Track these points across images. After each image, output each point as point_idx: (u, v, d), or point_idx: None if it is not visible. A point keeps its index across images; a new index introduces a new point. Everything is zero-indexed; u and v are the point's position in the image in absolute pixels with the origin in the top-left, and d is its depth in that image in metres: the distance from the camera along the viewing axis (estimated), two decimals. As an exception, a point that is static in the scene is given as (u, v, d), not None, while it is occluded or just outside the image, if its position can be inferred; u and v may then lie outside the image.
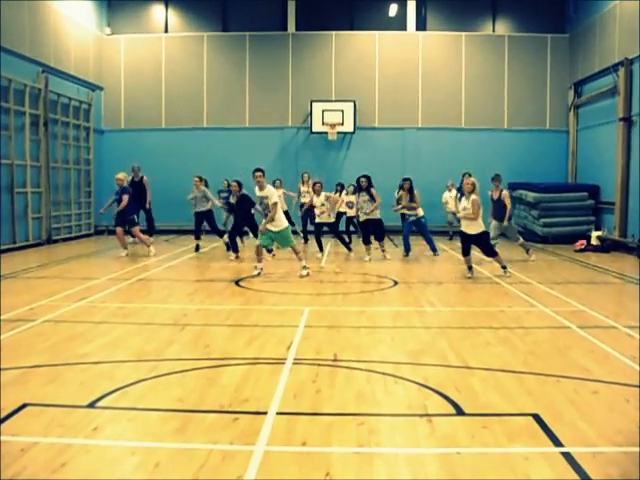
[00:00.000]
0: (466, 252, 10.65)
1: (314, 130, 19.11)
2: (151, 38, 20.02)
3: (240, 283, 9.96)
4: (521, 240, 12.93)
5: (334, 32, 19.79)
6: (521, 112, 19.60)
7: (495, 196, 12.69)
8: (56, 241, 16.32)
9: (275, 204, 10.34)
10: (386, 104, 19.66)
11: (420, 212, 13.37)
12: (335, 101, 19.30)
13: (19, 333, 6.48)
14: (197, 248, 14.27)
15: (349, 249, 13.80)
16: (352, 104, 19.01)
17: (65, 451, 3.62)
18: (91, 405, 4.41)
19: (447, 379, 5.03)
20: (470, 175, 12.08)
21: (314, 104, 19.02)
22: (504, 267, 10.72)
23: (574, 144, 19.11)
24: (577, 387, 4.83)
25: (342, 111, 18.91)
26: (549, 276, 10.85)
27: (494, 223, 12.73)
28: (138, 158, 17.61)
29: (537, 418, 4.16)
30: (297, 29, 19.93)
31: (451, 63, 19.68)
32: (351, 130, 19.11)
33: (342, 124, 18.89)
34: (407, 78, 19.63)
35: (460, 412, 4.33)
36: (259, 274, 10.56)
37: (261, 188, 10.48)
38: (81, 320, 7.16)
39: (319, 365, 5.42)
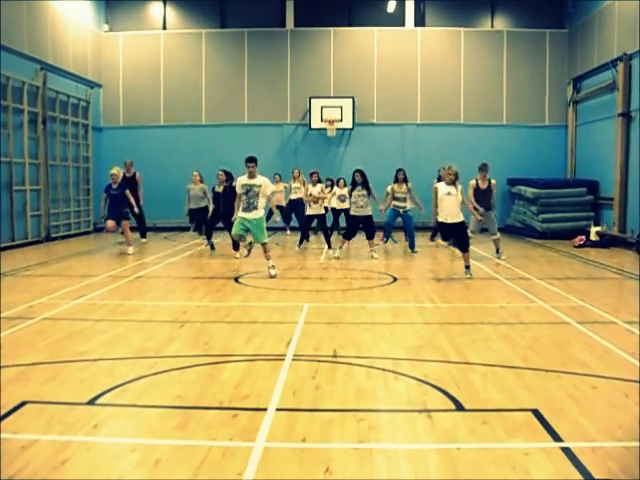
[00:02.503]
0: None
1: (313, 126, 19.08)
2: (149, 35, 19.98)
3: (239, 280, 9.97)
4: (498, 235, 12.44)
5: (332, 28, 19.76)
6: (520, 108, 19.59)
7: (483, 186, 12.29)
8: (55, 239, 16.30)
9: (273, 193, 10.78)
10: (385, 100, 19.64)
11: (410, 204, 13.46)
12: (334, 97, 19.28)
13: (18, 331, 6.48)
14: (212, 246, 13.60)
15: (329, 245, 13.53)
16: (351, 100, 18.99)
17: (65, 448, 3.62)
18: (91, 402, 4.41)
19: (447, 375, 5.04)
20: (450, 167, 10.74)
21: (313, 100, 19.00)
22: (468, 267, 10.19)
23: (573, 140, 19.09)
24: (577, 382, 4.83)
25: (341, 107, 18.90)
26: (548, 272, 10.85)
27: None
28: (137, 155, 17.57)
29: (537, 413, 4.16)
30: (295, 25, 19.90)
31: (450, 59, 19.66)
32: (350, 126, 19.08)
33: (341, 120, 18.88)
34: (406, 74, 19.61)
35: (460, 408, 4.33)
36: (248, 254, 10.66)
37: (253, 177, 10.16)
38: (80, 317, 7.16)
39: (319, 361, 5.42)
